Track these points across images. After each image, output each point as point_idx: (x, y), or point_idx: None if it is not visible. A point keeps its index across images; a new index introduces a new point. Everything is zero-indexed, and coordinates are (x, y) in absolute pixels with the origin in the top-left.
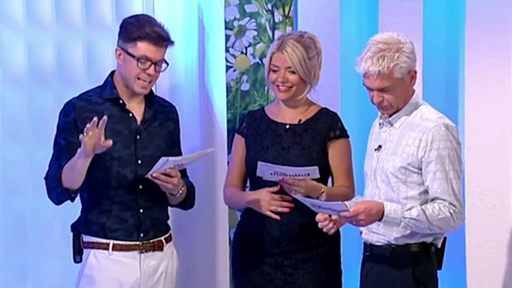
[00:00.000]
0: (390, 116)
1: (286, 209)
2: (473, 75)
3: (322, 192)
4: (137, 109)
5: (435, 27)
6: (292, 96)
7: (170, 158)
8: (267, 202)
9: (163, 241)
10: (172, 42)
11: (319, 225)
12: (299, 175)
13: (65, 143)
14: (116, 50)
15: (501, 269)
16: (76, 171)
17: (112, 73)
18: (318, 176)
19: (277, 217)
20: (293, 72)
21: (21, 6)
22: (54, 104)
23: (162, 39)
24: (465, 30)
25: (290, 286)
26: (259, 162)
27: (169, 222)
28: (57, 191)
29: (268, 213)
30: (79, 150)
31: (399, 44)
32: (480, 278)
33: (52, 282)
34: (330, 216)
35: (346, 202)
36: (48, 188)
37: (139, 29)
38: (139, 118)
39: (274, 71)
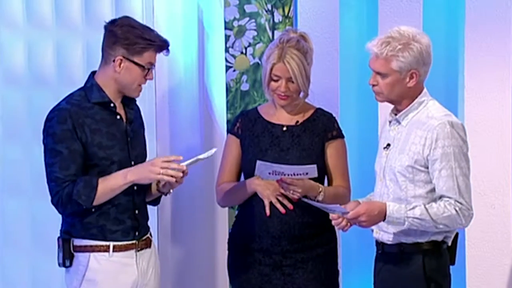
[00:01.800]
0: (397, 113)
1: (282, 209)
2: (473, 75)
3: (320, 192)
4: (120, 111)
5: (435, 27)
6: (291, 102)
7: (200, 156)
8: (272, 191)
9: (150, 238)
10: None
11: (333, 222)
12: (297, 174)
13: (68, 152)
14: (116, 59)
15: (501, 269)
16: (115, 192)
17: (93, 74)
18: (316, 175)
19: (268, 212)
20: (293, 82)
21: (21, 6)
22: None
23: (167, 45)
24: (465, 30)
25: (289, 286)
26: (258, 161)
27: (168, 222)
28: (81, 207)
29: (266, 202)
30: (128, 177)
31: (411, 40)
32: (480, 278)
33: (49, 282)
34: None
35: (360, 199)
36: (71, 206)
37: (148, 40)
38: (124, 119)
39: (275, 80)
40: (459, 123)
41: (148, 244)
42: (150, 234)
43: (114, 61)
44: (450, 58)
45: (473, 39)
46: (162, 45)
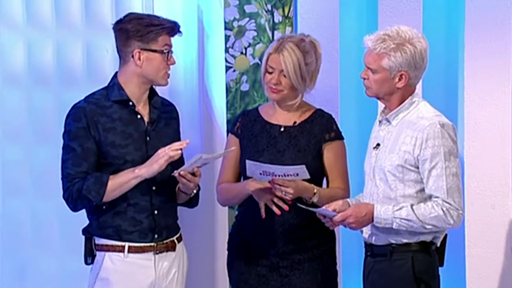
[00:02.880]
0: (388, 113)
1: (278, 211)
2: (473, 75)
3: (314, 194)
4: (144, 110)
5: (435, 27)
6: (283, 98)
7: (204, 156)
8: (267, 193)
9: (175, 241)
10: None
11: (322, 220)
12: (288, 175)
13: (81, 150)
14: (135, 53)
15: (501, 269)
16: (126, 189)
17: (116, 74)
18: (307, 176)
19: (263, 214)
20: (285, 76)
21: (21, 6)
22: (54, 105)
23: (178, 27)
24: (465, 30)
25: (286, 287)
26: (247, 161)
27: None
28: (91, 203)
29: (261, 204)
30: (136, 171)
31: (406, 42)
32: (479, 278)
33: (50, 282)
34: None
35: (348, 200)
36: (82, 202)
37: (154, 25)
38: (146, 119)
39: (270, 72)
40: (449, 124)
41: (170, 247)
42: (178, 238)
43: (133, 56)
44: (450, 58)
45: (473, 39)
46: (173, 26)
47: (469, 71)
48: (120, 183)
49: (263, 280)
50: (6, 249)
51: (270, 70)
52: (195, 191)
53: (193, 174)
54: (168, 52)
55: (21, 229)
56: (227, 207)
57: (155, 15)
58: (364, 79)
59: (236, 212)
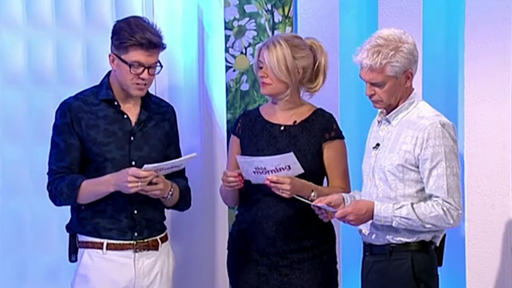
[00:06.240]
0: (387, 113)
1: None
2: (473, 75)
3: (312, 191)
4: (132, 110)
5: (435, 27)
6: (272, 92)
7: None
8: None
9: (159, 240)
10: (164, 47)
11: (316, 211)
12: (280, 169)
13: (64, 145)
14: (110, 55)
15: (501, 269)
16: (99, 196)
17: (109, 73)
18: (300, 169)
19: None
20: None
21: (21, 6)
22: (54, 105)
23: (153, 46)
24: (465, 30)
25: (286, 286)
26: (237, 157)
27: (168, 222)
28: (68, 204)
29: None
30: (109, 180)
31: (399, 43)
32: (480, 278)
33: (50, 281)
34: None
35: (344, 194)
36: (59, 200)
37: (130, 37)
38: (133, 119)
39: (261, 67)
40: (450, 124)
41: (151, 246)
42: (162, 238)
43: (109, 56)
44: (450, 58)
45: (473, 39)
46: (147, 44)
47: (469, 71)
48: (94, 192)
49: (263, 280)
50: (6, 248)
51: (260, 64)
52: (170, 194)
53: (150, 183)
54: (137, 67)
55: (21, 228)
56: (227, 207)
57: (146, 28)
58: (372, 95)
59: (236, 212)
